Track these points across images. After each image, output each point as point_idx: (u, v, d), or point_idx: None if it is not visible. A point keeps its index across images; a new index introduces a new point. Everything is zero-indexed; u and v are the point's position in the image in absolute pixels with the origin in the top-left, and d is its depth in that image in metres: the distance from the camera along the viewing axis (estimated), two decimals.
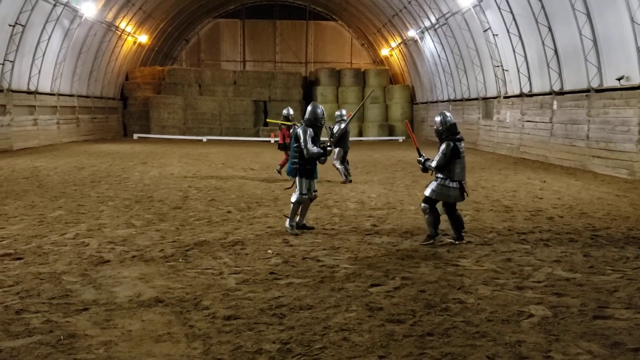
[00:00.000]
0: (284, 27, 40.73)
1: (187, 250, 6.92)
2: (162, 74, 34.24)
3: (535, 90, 20.13)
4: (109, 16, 27.08)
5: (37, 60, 22.57)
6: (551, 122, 18.84)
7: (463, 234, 7.59)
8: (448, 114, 7.56)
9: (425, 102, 33.04)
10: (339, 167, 13.47)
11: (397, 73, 37.50)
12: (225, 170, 15.96)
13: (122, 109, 33.58)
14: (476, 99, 25.69)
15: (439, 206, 7.49)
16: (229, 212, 9.57)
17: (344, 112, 13.99)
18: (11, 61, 20.58)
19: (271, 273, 5.99)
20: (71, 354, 3.97)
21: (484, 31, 22.36)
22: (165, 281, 5.68)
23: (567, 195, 11.69)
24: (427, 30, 28.46)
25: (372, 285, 5.59)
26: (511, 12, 19.71)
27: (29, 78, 22.56)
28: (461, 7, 23.18)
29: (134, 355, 3.97)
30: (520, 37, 19.96)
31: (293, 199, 7.98)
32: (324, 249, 7.04)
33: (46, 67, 23.47)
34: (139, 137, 31.11)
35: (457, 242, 7.45)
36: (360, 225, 8.56)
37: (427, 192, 7.38)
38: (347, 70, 36.04)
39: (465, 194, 7.42)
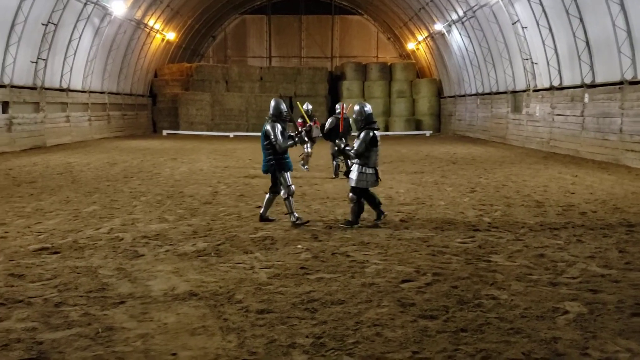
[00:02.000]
0: (309, 22, 40.70)
1: (219, 245, 7.00)
2: (190, 70, 34.57)
3: (565, 83, 19.77)
4: (138, 14, 27.44)
5: (69, 58, 23.03)
6: (582, 116, 18.49)
7: (381, 209, 8.19)
8: (367, 104, 8.15)
9: (453, 96, 32.73)
10: (333, 161, 13.49)
11: (424, 67, 37.21)
12: (253, 166, 16.06)
13: (151, 106, 34.04)
14: (505, 92, 25.35)
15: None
16: (258, 207, 9.62)
17: (337, 106, 13.78)
18: (44, 59, 21.03)
19: (302, 268, 6.02)
20: (109, 346, 4.06)
21: (513, 24, 22.01)
22: (199, 275, 5.76)
23: (600, 190, 11.48)
24: (454, 23, 28.16)
25: (404, 281, 5.58)
26: (541, 3, 19.37)
27: (61, 76, 23.03)
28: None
29: (170, 348, 4.04)
30: (550, 29, 19.61)
31: (284, 194, 8.09)
32: (354, 245, 7.04)
33: (77, 65, 23.93)
34: (168, 134, 31.50)
35: (380, 220, 8.10)
36: (389, 220, 8.53)
37: (352, 183, 7.94)
38: (373, 64, 35.88)
39: (378, 179, 8.00)
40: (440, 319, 4.59)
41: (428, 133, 32.82)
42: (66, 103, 23.81)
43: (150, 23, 29.61)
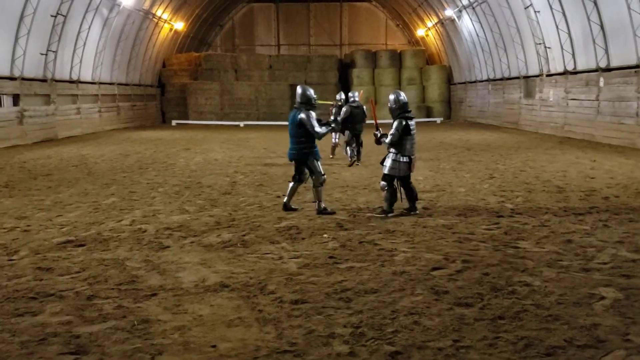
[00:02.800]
0: (317, 10, 40.39)
1: (244, 236, 6.97)
2: (198, 60, 34.46)
3: (579, 67, 19.55)
4: (146, 4, 27.33)
5: (78, 50, 23.01)
6: (597, 100, 18.29)
7: (417, 205, 8.11)
8: (402, 93, 8.04)
9: (464, 83, 32.48)
10: (348, 149, 13.48)
11: (434, 53, 36.91)
12: (269, 155, 16.03)
13: (160, 96, 34.00)
14: (517, 77, 25.11)
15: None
16: (278, 197, 9.60)
17: (356, 94, 13.82)
18: (54, 51, 21.01)
19: (330, 257, 5.99)
20: (147, 339, 4.04)
21: (525, 8, 21.75)
22: (227, 266, 5.74)
23: (620, 175, 11.36)
24: (465, 8, 27.87)
25: (434, 269, 5.53)
26: None
27: (71, 67, 23.01)
28: None
29: (209, 340, 4.02)
30: (563, 13, 19.36)
31: (316, 184, 8.04)
32: (380, 233, 7.00)
33: (87, 56, 23.91)
34: (177, 124, 31.47)
35: (411, 213, 7.96)
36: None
37: (386, 170, 7.89)
38: (382, 51, 35.64)
39: (411, 168, 7.94)
40: (476, 307, 4.55)
41: (439, 120, 32.63)
42: (76, 95, 23.82)
43: (159, 13, 29.50)
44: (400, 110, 7.86)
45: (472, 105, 31.41)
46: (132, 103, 29.79)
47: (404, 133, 7.77)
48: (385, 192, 7.94)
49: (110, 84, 27.00)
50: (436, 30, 34.35)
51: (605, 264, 5.66)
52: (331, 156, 14.54)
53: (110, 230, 7.31)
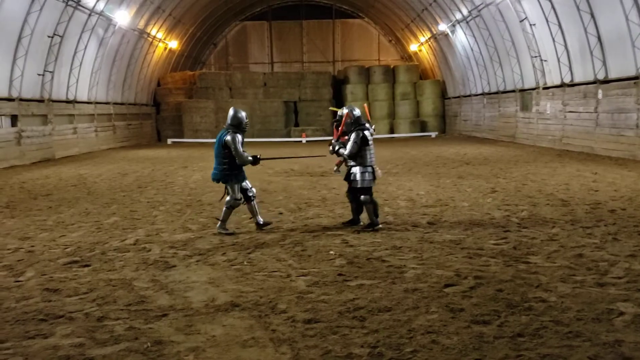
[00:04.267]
0: (310, 27, 40.65)
1: (249, 253, 6.89)
2: (193, 78, 34.50)
3: (577, 79, 19.67)
4: (141, 23, 27.40)
5: (75, 70, 22.98)
6: (596, 112, 18.38)
7: (359, 218, 8.33)
8: (355, 107, 8.33)
9: (458, 97, 32.65)
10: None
11: (427, 68, 37.14)
12: (266, 171, 15.94)
13: (155, 115, 33.95)
14: (513, 91, 25.25)
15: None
16: (280, 213, 9.54)
17: (345, 111, 13.96)
18: (51, 72, 20.97)
19: (339, 275, 5.91)
20: None
21: (521, 21, 21.94)
22: (236, 285, 5.65)
23: (624, 187, 11.36)
24: (458, 23, 28.09)
25: (446, 286, 5.46)
26: (550, 0, 19.29)
27: (67, 87, 22.97)
28: None
29: None
30: (559, 25, 19.53)
31: (227, 204, 8.02)
32: (386, 249, 6.93)
33: (83, 76, 23.87)
34: (173, 142, 31.37)
35: (353, 227, 8.18)
36: (416, 223, 8.43)
37: (358, 185, 8.00)
38: (376, 67, 35.82)
39: (375, 177, 8.09)
40: (493, 324, 4.48)
41: (434, 134, 32.73)
42: (73, 115, 23.73)
43: (153, 32, 29.57)
44: (356, 124, 8.13)
45: (467, 119, 31.53)
46: (127, 122, 29.71)
47: (362, 144, 8.01)
48: (368, 205, 8.02)
49: (106, 103, 26.95)
50: (429, 45, 34.59)
51: (619, 278, 5.60)
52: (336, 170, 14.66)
53: (115, 250, 7.21)
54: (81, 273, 6.17)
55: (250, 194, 8.23)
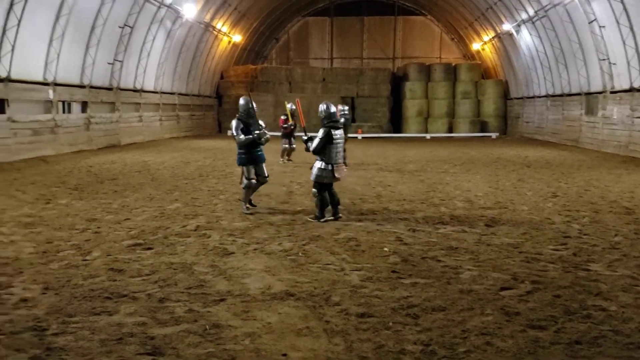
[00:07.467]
0: (371, 24, 40.52)
1: (304, 245, 7.01)
2: (255, 72, 35.04)
3: None
4: (207, 17, 28.04)
5: (143, 60, 23.80)
6: None
7: (338, 210, 8.59)
8: (331, 104, 8.56)
9: (521, 98, 31.81)
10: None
11: (490, 67, 36.36)
12: None
13: (217, 107, 34.70)
14: (578, 94, 24.40)
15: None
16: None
17: (345, 107, 15.94)
18: (120, 61, 21.80)
19: (393, 272, 5.94)
20: (220, 343, 4.11)
21: (589, 23, 21.14)
22: (291, 275, 5.78)
23: None
24: (524, 23, 27.35)
25: (503, 289, 5.40)
26: (622, 1, 18.52)
27: (135, 77, 23.81)
28: None
29: (279, 348, 4.05)
30: (631, 27, 18.71)
31: (242, 185, 8.93)
32: (442, 249, 6.90)
33: (150, 66, 24.70)
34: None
35: (335, 218, 8.45)
36: (473, 224, 8.34)
37: (312, 177, 8.41)
38: (436, 65, 35.35)
39: (334, 176, 8.32)
40: (550, 330, 4.42)
41: (494, 135, 32.04)
42: (139, 103, 24.61)
43: (218, 26, 30.21)
44: (328, 120, 8.32)
45: (529, 121, 30.69)
46: (191, 113, 30.55)
47: (327, 142, 8.20)
48: (315, 198, 8.42)
49: (171, 93, 27.79)
50: (493, 44, 33.84)
51: None
52: (281, 161, 16.35)
53: (177, 234, 7.49)
54: (144, 255, 6.45)
55: (261, 179, 9.08)
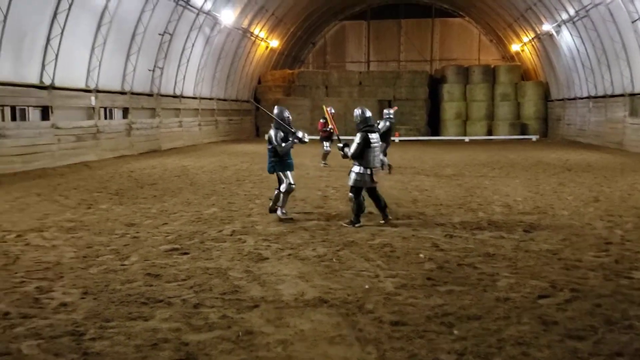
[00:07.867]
0: (408, 26, 40.28)
1: (338, 251, 7.00)
2: (292, 76, 35.29)
3: None
4: (245, 23, 28.38)
5: (182, 66, 24.26)
6: None
7: (388, 212, 8.64)
8: (367, 109, 8.56)
9: (562, 99, 31.07)
10: (382, 158, 14.26)
11: (529, 69, 35.63)
12: None
13: (255, 111, 35.05)
14: (622, 95, 23.66)
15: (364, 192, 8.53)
16: (370, 212, 9.56)
17: (391, 111, 15.54)
18: (160, 67, 22.27)
19: (428, 279, 5.87)
20: (252, 350, 4.13)
21: (633, 22, 20.51)
22: (325, 281, 5.77)
23: None
24: (564, 23, 26.72)
25: (540, 297, 5.28)
26: None
27: (175, 83, 24.29)
28: None
29: (312, 356, 4.05)
30: None
31: (283, 189, 8.87)
32: (479, 256, 6.79)
33: (190, 73, 25.17)
34: None
35: (384, 222, 8.48)
36: (511, 230, 8.18)
37: (350, 182, 8.41)
38: (475, 66, 34.87)
39: (373, 180, 8.35)
40: (589, 340, 4.29)
41: (534, 138, 31.38)
42: (179, 109, 25.09)
43: (256, 31, 30.54)
44: (364, 124, 8.34)
45: (570, 124, 29.94)
46: (229, 117, 30.97)
47: (365, 145, 8.22)
48: (352, 203, 8.38)
49: (209, 99, 28.24)
50: (532, 45, 33.17)
51: None
52: (322, 163, 16.62)
53: (213, 239, 7.59)
54: (180, 260, 6.56)
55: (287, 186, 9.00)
